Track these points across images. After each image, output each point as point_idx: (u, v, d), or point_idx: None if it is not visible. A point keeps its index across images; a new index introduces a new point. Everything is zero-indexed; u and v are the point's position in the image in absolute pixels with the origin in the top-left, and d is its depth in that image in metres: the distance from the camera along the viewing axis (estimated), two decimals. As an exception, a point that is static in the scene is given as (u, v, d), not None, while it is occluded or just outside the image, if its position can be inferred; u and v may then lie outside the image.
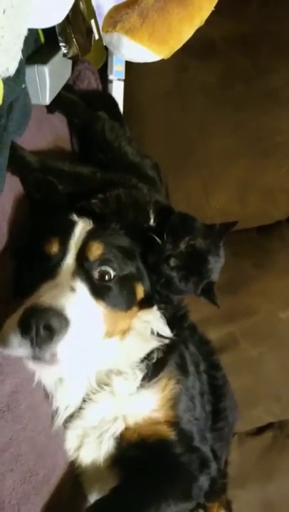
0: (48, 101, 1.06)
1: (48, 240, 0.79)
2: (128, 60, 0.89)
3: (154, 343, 0.87)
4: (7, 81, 0.79)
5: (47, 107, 1.16)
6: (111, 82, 1.58)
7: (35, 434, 0.78)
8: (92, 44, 1.20)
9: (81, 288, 0.74)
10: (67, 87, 1.20)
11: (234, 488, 1.32)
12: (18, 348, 0.66)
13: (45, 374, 0.78)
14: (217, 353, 1.26)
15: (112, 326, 0.81)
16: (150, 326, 0.88)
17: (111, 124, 1.26)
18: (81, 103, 1.27)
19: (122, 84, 1.59)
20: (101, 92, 1.47)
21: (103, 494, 0.79)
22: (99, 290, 0.77)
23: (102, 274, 0.79)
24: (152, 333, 0.88)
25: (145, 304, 0.89)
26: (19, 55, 0.81)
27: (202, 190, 1.51)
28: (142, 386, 0.84)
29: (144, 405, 0.84)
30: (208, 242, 0.91)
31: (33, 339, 0.65)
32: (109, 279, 0.79)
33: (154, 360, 0.86)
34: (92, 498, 0.89)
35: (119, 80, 1.58)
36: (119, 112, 1.47)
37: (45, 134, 1.11)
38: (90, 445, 0.85)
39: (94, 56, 1.44)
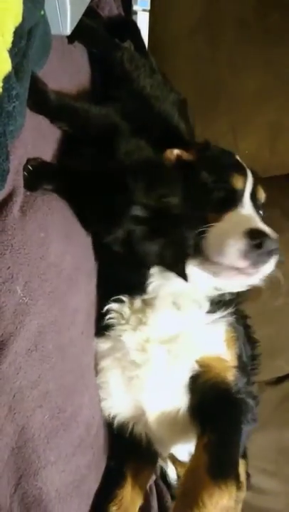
0: (68, 30, 0.98)
1: (235, 176, 0.92)
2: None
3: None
4: (26, 1, 0.72)
5: (67, 36, 1.08)
6: (135, 13, 1.47)
7: (62, 373, 0.78)
8: None
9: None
10: (89, 11, 1.09)
11: (252, 432, 1.35)
12: (237, 259, 0.80)
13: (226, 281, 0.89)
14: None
15: None
16: None
17: (131, 53, 1.16)
18: (102, 30, 1.17)
19: (146, 15, 1.47)
20: (124, 19, 1.35)
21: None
22: None
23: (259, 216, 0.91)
24: None
25: None
26: (38, -29, 0.74)
27: (231, 133, 1.43)
28: (210, 324, 0.91)
29: (214, 344, 0.91)
30: None
31: (259, 256, 0.79)
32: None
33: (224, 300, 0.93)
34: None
35: (144, 10, 1.46)
36: (143, 41, 1.36)
37: (66, 67, 1.03)
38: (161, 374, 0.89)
39: (116, -18, 1.32)
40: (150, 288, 0.91)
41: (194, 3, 1.50)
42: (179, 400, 0.89)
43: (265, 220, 0.98)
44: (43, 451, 0.72)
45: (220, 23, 1.48)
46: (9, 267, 0.68)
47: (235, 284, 0.89)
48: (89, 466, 0.87)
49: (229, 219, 0.86)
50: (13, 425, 0.68)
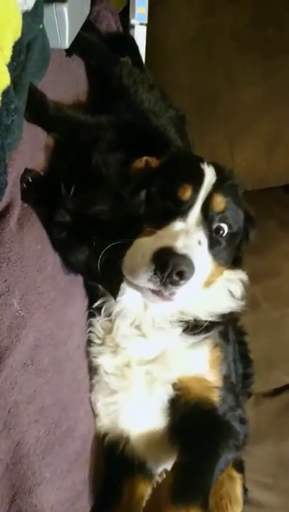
0: (67, 44, 0.99)
1: (182, 186, 0.83)
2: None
3: (226, 304, 0.89)
4: (25, 16, 0.73)
5: (66, 49, 1.09)
6: (133, 27, 1.48)
7: (58, 388, 0.78)
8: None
9: (204, 242, 0.80)
10: (87, 25, 1.10)
11: (250, 445, 1.33)
12: (147, 281, 0.73)
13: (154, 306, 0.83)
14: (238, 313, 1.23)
15: (209, 278, 0.83)
16: (229, 286, 0.90)
17: (130, 68, 1.18)
18: (100, 44, 1.18)
19: (144, 29, 1.49)
20: (122, 35, 1.37)
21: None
22: (213, 244, 0.82)
23: (218, 228, 0.83)
24: (230, 294, 0.90)
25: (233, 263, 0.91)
26: (37, -14, 0.75)
27: (227, 144, 1.44)
28: (190, 347, 0.85)
29: (195, 365, 0.86)
30: None
31: (164, 278, 0.71)
32: (222, 235, 0.84)
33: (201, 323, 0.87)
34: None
35: (141, 24, 1.48)
36: (140, 57, 1.37)
37: (64, 79, 1.04)
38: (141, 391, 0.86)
39: (114, -3, 1.34)
40: (104, 308, 0.88)
41: (191, 16, 1.52)
42: (160, 422, 0.87)
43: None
44: (38, 468, 0.70)
45: (217, 36, 1.50)
46: (6, 280, 0.67)
47: (164, 307, 0.83)
48: (85, 482, 0.85)
49: (159, 234, 0.77)
50: (8, 441, 0.67)
